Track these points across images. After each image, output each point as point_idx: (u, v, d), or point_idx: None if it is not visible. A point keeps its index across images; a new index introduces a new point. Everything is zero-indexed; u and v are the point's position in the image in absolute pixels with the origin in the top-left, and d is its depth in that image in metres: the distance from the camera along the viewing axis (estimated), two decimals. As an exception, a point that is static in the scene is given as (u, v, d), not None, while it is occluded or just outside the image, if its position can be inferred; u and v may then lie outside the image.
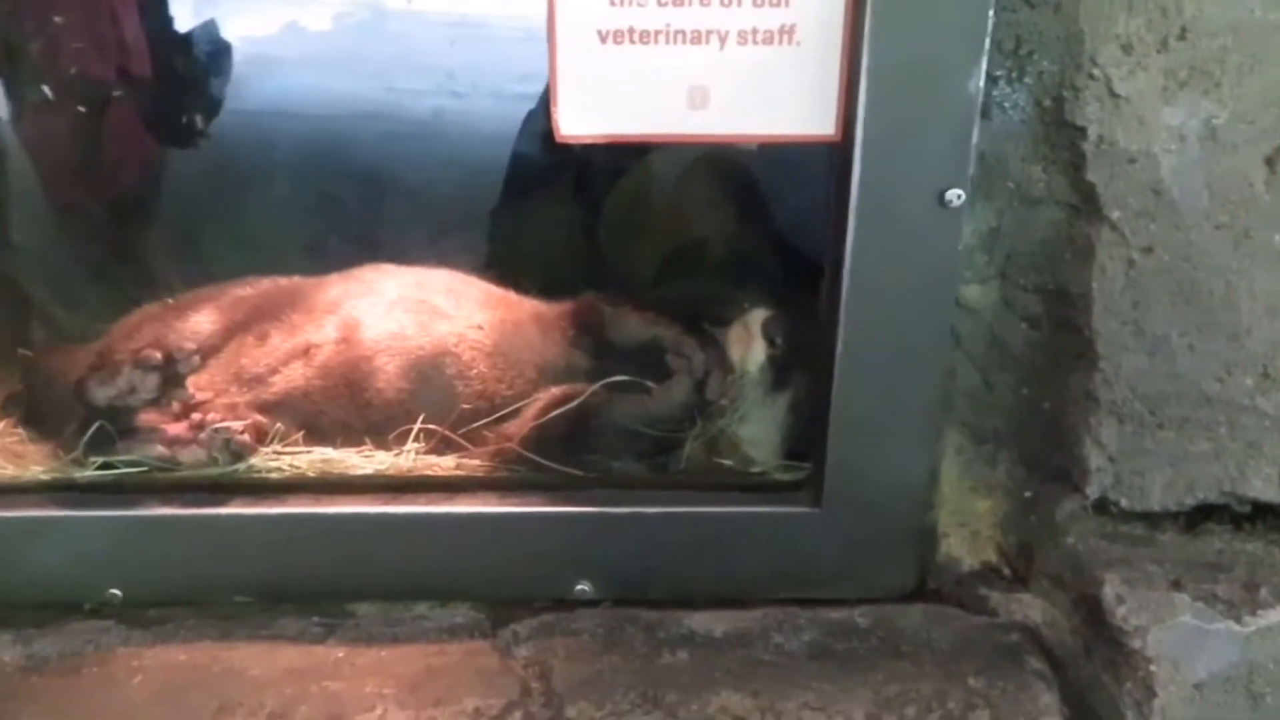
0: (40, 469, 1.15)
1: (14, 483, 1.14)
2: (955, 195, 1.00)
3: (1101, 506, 1.06)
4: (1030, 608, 1.10)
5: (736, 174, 1.32)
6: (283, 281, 1.32)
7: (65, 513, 1.10)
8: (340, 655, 1.06)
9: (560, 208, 1.49)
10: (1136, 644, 0.97)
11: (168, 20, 2.10)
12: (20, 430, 1.26)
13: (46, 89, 1.56)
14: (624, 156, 1.39)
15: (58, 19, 1.68)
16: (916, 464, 1.12)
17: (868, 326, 1.06)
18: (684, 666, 1.04)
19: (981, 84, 0.97)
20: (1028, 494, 1.12)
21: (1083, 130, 0.98)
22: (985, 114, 1.01)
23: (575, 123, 0.99)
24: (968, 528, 1.16)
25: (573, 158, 1.47)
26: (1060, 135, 1.01)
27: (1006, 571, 1.15)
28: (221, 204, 1.63)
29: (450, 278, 1.35)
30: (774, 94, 1.00)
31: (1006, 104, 1.01)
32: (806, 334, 1.12)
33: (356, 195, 1.60)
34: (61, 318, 1.43)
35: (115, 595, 1.11)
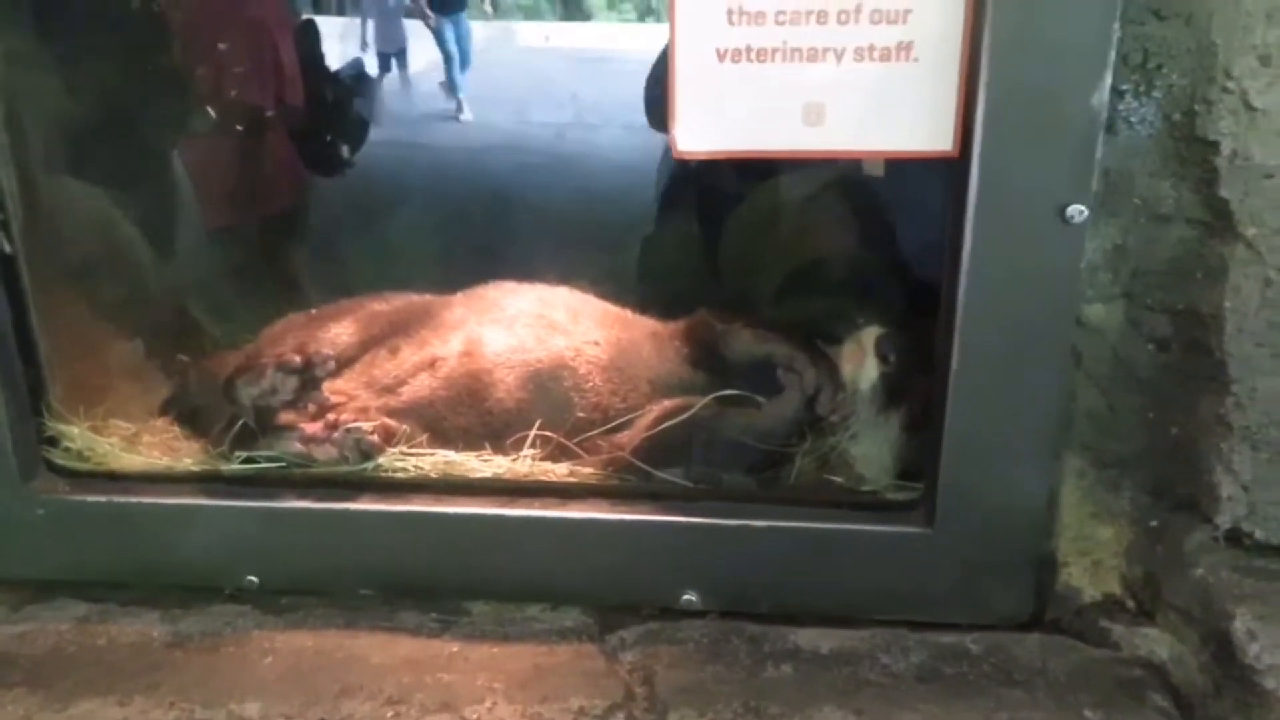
0: (191, 461, 1.25)
1: (168, 473, 1.24)
2: (1077, 211, 0.98)
3: (1234, 538, 1.00)
4: (1155, 643, 1.05)
5: (852, 193, 1.32)
6: (414, 298, 1.39)
7: (211, 502, 1.19)
8: (455, 649, 1.10)
9: (679, 228, 1.53)
10: (1270, 684, 0.91)
11: (320, 52, 2.27)
12: (176, 427, 1.36)
13: (211, 113, 1.69)
14: (742, 178, 1.42)
15: (222, 47, 1.82)
16: (1034, 487, 1.09)
17: (984, 345, 1.04)
18: (788, 680, 1.04)
19: (1106, 98, 0.95)
20: (1154, 523, 1.07)
21: (1215, 145, 0.95)
22: (1110, 129, 0.99)
23: (692, 139, 1.02)
24: (1089, 556, 1.12)
25: (692, 179, 1.50)
26: (1191, 150, 0.98)
27: (1130, 604, 1.10)
28: (361, 225, 1.73)
29: (570, 296, 1.39)
30: (891, 110, 1.00)
31: (1133, 118, 0.99)
32: (921, 352, 1.11)
33: (485, 218, 1.68)
34: (214, 328, 1.55)
35: (252, 582, 1.18)
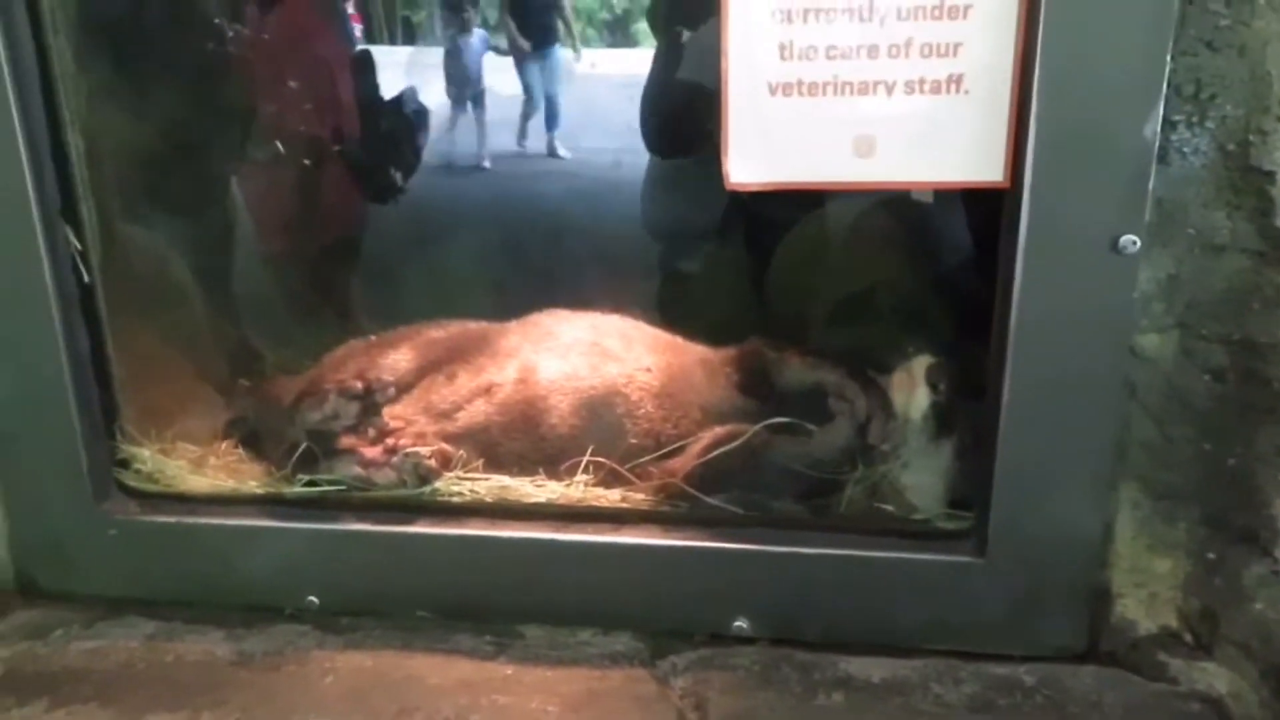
0: (255, 484, 1.29)
1: (233, 495, 1.28)
2: (1130, 242, 0.98)
3: (1295, 571, 0.99)
4: (1214, 677, 1.04)
5: (903, 222, 1.33)
6: (470, 326, 1.42)
7: (273, 524, 1.23)
8: (509, 672, 1.12)
9: (729, 258, 1.55)
10: (1334, 720, 0.90)
11: (375, 84, 2.34)
12: (240, 450, 1.41)
13: (279, 145, 1.75)
14: (792, 208, 1.43)
15: (291, 83, 1.89)
16: (1088, 518, 1.08)
17: (1036, 374, 1.04)
18: (839, 709, 1.05)
19: (1158, 129, 0.96)
20: (1211, 555, 1.06)
21: (1271, 175, 0.95)
22: (1163, 159, 0.99)
23: (744, 171, 1.04)
24: (1145, 588, 1.11)
25: (742, 210, 1.52)
26: (1246, 180, 0.97)
27: (1188, 638, 1.09)
28: (416, 253, 1.78)
29: (622, 323, 1.42)
30: (941, 141, 1.02)
31: (1186, 149, 0.99)
32: (972, 380, 1.11)
33: (538, 246, 1.71)
34: (272, 354, 1.59)
35: (313, 602, 1.21)
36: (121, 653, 1.16)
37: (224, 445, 1.40)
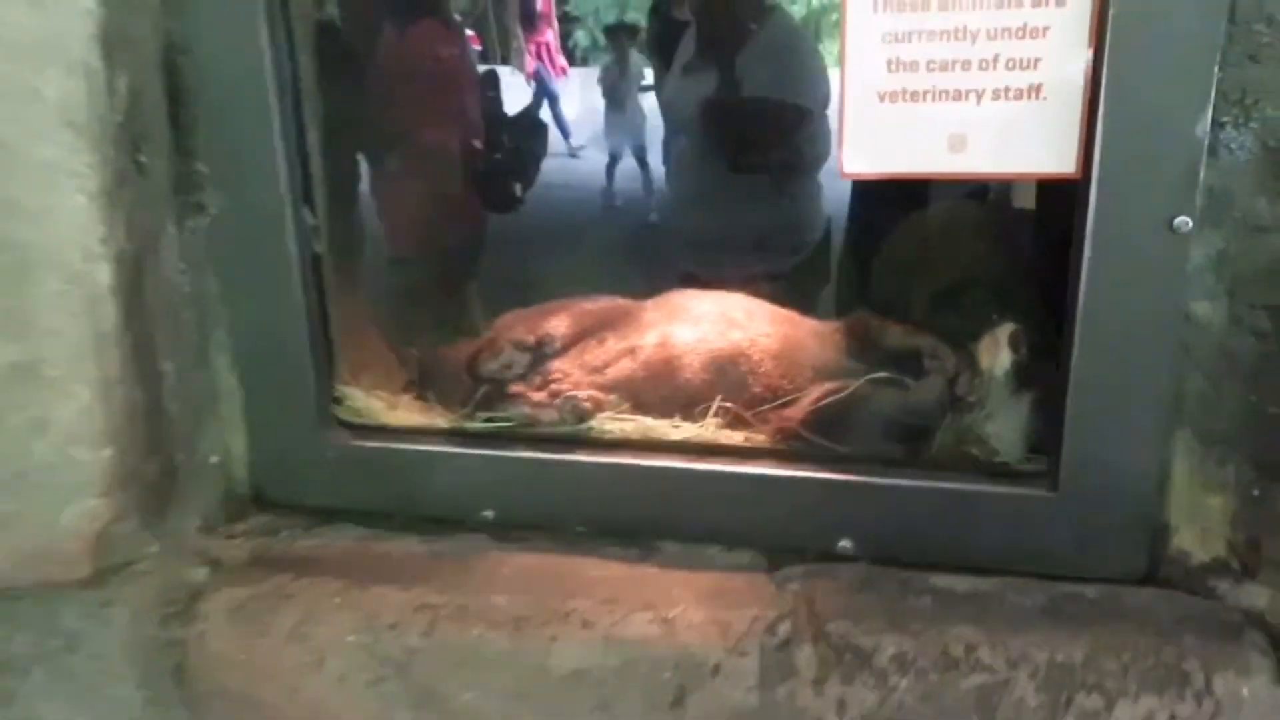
0: (442, 420, 1.56)
1: (425, 428, 1.55)
2: (1183, 222, 1.18)
3: (1324, 501, 1.16)
4: (1256, 595, 1.22)
5: (987, 214, 1.54)
6: (618, 300, 1.69)
7: (457, 451, 1.49)
8: (652, 572, 1.36)
9: (840, 250, 1.78)
10: (1352, 621, 1.07)
11: (498, 101, 2.67)
12: (422, 400, 1.69)
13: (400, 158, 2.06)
14: (893, 206, 1.66)
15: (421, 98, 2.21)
16: (1147, 460, 1.27)
17: (1102, 338, 1.24)
18: (927, 607, 1.26)
19: (1208, 128, 1.15)
20: (1256, 492, 1.24)
21: (1305, 167, 1.14)
22: (1213, 153, 1.18)
23: (857, 163, 1.28)
24: (1198, 523, 1.29)
25: (851, 209, 1.76)
26: (1285, 171, 1.16)
27: (1235, 564, 1.26)
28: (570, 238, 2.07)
29: (745, 300, 1.66)
30: (1022, 139, 1.23)
31: (1233, 145, 1.18)
32: (1047, 344, 1.32)
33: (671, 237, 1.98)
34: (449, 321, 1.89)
35: (488, 516, 1.48)
36: (339, 548, 1.45)
37: (406, 397, 1.69)
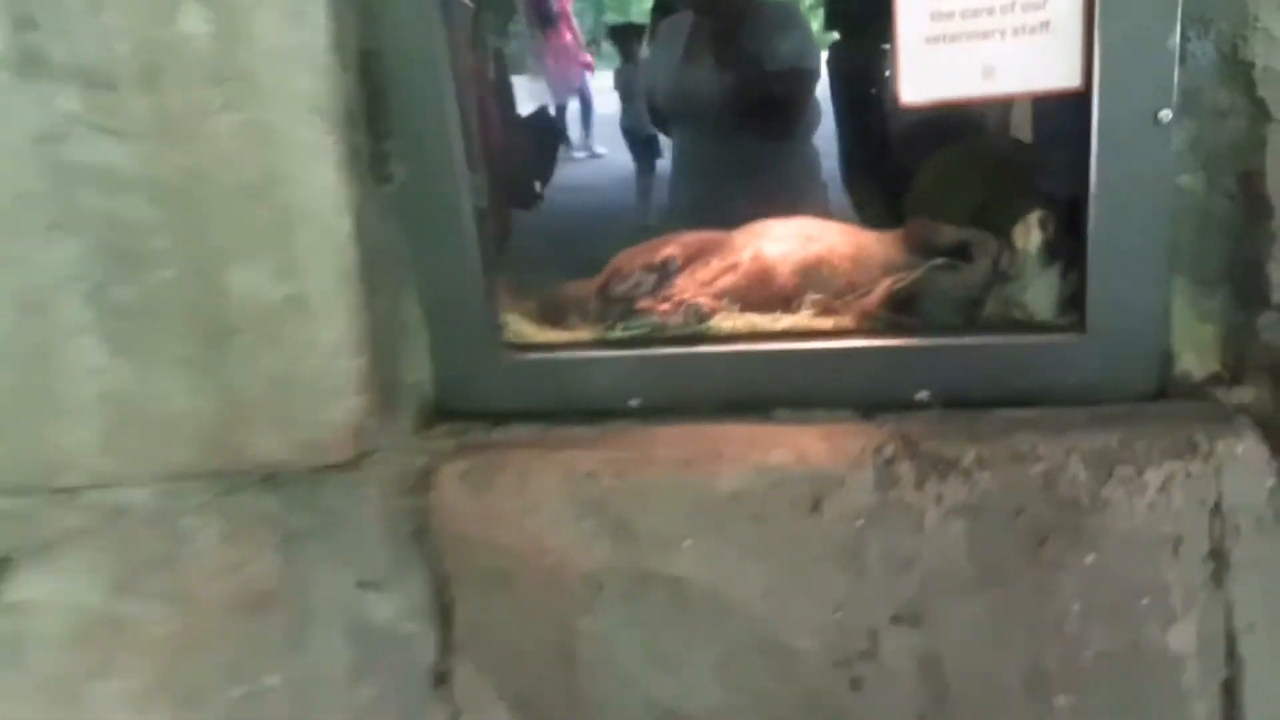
0: (587, 334, 1.94)
1: (574, 340, 1.93)
2: (1165, 115, 1.55)
3: (1284, 309, 1.55)
4: (1243, 395, 1.60)
5: (1010, 132, 1.92)
6: (713, 233, 2.07)
7: (605, 354, 1.87)
8: (773, 428, 1.74)
9: (893, 173, 2.16)
10: None
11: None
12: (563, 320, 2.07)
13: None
14: (938, 129, 2.04)
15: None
16: (1154, 302, 1.64)
17: (1111, 212, 1.61)
18: (995, 427, 1.63)
19: (1178, 42, 1.53)
20: (1239, 318, 1.62)
21: (1252, 64, 1.52)
22: (1183, 61, 1.56)
23: (911, 94, 1.66)
24: (1196, 347, 1.66)
25: (898, 136, 2.14)
26: (1237, 70, 1.54)
27: (1226, 376, 1.65)
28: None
29: (818, 223, 2.04)
30: (1037, 63, 1.61)
31: (1198, 53, 1.56)
32: (1070, 222, 1.70)
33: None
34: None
35: (635, 404, 1.85)
36: (524, 436, 1.80)
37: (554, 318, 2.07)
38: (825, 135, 3.48)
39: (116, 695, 1.58)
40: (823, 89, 3.51)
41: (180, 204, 1.56)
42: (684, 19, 3.64)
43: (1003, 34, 1.61)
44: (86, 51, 1.51)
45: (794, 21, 3.48)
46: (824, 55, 3.75)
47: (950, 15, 1.62)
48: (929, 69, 1.64)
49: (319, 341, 1.62)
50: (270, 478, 1.65)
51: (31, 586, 1.58)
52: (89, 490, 1.61)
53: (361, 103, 1.71)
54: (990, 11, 1.61)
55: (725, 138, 3.41)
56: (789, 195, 3.10)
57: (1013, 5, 1.60)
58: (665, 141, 3.92)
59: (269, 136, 1.57)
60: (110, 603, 1.59)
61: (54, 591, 1.58)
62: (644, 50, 5.42)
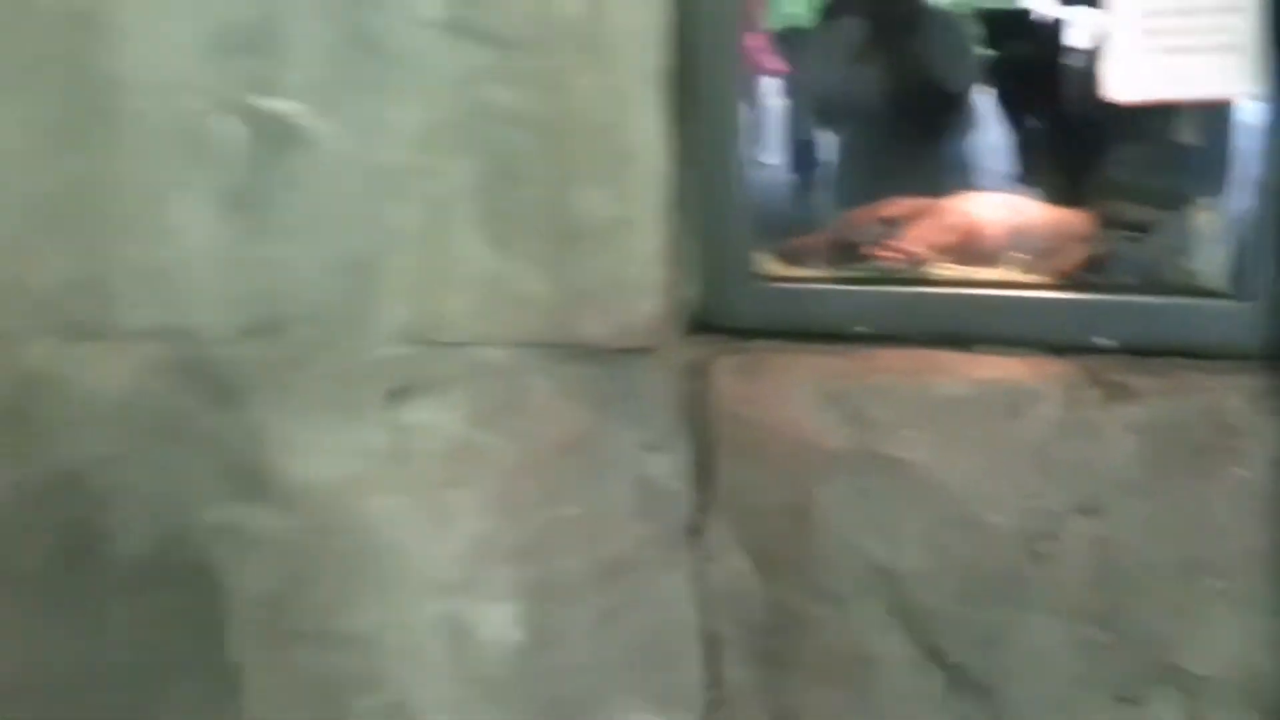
0: (823, 273, 2.41)
1: (814, 276, 2.39)
2: None
3: None
4: None
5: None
6: (924, 200, 2.52)
7: (838, 288, 2.33)
8: (978, 356, 2.18)
9: (1078, 163, 2.59)
10: None
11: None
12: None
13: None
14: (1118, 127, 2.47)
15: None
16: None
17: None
18: (1166, 366, 2.05)
19: None
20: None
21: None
22: None
23: (1122, 93, 2.08)
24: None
25: (1094, 130, 2.57)
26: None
27: None
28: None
29: (1013, 198, 2.48)
30: (1227, 74, 2.02)
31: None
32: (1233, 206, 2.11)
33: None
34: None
35: (861, 330, 2.30)
36: (774, 346, 2.30)
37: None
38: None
39: (466, 502, 2.12)
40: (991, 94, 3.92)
41: (550, 139, 2.08)
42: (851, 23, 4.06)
43: (1199, 50, 2.02)
44: (496, 20, 2.04)
45: (956, 30, 3.90)
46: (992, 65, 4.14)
47: (1156, 33, 2.04)
48: (1137, 73, 2.06)
49: (637, 253, 2.12)
50: (591, 352, 2.16)
51: (419, 413, 2.12)
52: (462, 346, 2.15)
53: (676, 71, 2.21)
54: (1189, 32, 2.02)
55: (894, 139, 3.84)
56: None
57: (1209, 28, 2.01)
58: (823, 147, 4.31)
59: (616, 93, 2.08)
60: (470, 432, 2.12)
61: (433, 418, 2.12)
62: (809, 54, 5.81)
